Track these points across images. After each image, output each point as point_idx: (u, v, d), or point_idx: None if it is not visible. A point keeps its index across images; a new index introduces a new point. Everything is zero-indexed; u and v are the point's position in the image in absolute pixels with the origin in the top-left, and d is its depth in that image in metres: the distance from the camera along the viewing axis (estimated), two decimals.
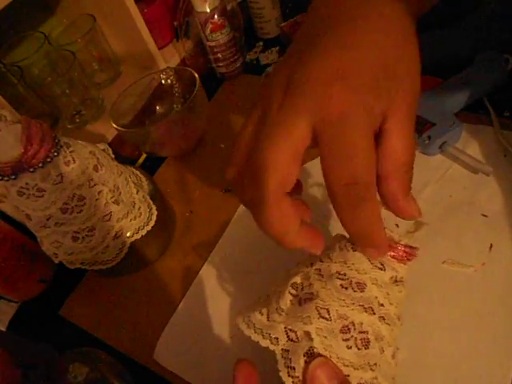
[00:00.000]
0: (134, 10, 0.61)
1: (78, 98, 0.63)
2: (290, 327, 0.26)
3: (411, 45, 0.24)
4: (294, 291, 0.28)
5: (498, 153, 0.45)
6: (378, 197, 0.25)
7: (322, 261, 0.28)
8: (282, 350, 0.25)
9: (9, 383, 0.31)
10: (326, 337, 0.24)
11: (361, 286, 0.26)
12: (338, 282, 0.26)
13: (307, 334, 0.25)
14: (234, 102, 0.65)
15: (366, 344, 0.25)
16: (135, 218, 0.45)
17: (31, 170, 0.37)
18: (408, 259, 0.27)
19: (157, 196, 0.49)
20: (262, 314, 0.28)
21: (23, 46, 0.64)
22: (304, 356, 0.24)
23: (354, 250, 0.27)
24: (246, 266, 0.45)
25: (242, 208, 0.50)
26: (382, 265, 0.27)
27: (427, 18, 0.33)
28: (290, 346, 0.25)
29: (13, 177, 0.36)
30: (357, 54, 0.23)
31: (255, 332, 0.27)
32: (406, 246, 0.27)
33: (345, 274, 0.26)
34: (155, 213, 0.46)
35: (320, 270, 0.28)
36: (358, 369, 0.24)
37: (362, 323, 0.25)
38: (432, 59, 0.53)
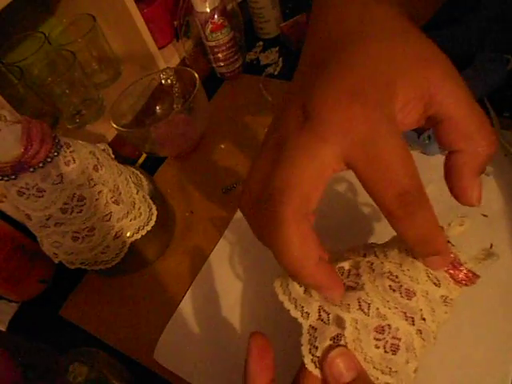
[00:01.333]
0: (134, 10, 0.61)
1: (78, 98, 0.63)
2: (324, 308, 0.25)
3: (414, 32, 0.24)
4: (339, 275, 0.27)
5: (498, 153, 0.45)
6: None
7: (376, 255, 0.27)
8: (310, 326, 0.25)
9: (9, 383, 0.31)
10: (358, 330, 0.24)
11: (409, 294, 0.25)
12: (388, 282, 0.25)
13: (341, 320, 0.24)
14: (234, 102, 0.65)
15: (395, 350, 0.24)
16: (135, 217, 0.45)
17: (31, 169, 0.37)
18: (466, 284, 0.26)
19: (157, 196, 0.49)
20: (301, 286, 0.27)
21: (23, 45, 0.64)
22: (330, 340, 0.24)
23: (414, 258, 0.25)
24: (246, 266, 0.45)
25: None
26: (437, 280, 0.25)
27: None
28: (318, 324, 0.25)
29: (13, 177, 0.36)
30: (366, 69, 0.23)
31: (289, 300, 0.26)
32: (469, 270, 0.26)
33: (396, 277, 0.25)
34: (155, 213, 0.46)
35: (372, 263, 0.26)
36: (377, 368, 0.24)
37: (398, 329, 0.24)
38: None
